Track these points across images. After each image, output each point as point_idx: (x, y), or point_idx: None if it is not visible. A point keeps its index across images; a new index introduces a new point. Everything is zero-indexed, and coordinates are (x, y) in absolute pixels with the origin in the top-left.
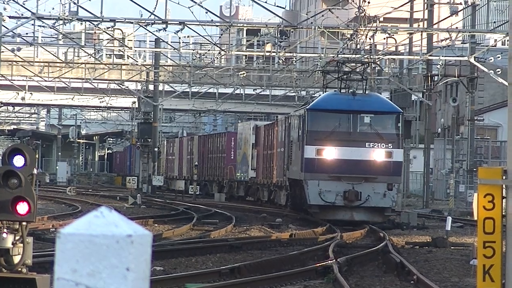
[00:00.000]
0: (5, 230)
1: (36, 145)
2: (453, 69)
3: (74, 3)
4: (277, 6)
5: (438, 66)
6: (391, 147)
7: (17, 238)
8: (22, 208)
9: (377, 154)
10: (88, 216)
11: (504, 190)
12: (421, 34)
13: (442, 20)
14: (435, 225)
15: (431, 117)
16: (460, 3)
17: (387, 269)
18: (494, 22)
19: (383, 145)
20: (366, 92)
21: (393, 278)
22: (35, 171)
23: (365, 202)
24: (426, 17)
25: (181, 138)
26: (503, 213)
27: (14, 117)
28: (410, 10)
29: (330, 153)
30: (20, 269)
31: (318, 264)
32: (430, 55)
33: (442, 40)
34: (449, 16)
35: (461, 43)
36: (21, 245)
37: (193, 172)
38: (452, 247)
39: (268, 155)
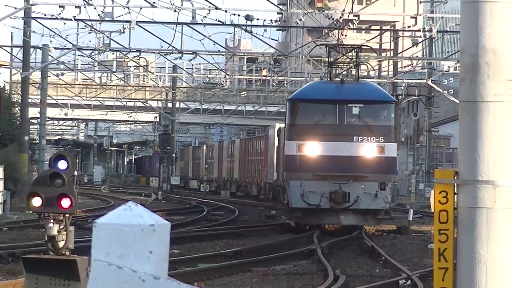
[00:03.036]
0: (51, 221)
1: (77, 152)
2: (414, 89)
3: (107, 37)
4: (272, 39)
5: (402, 87)
6: (383, 141)
7: (61, 227)
8: (65, 203)
9: (367, 150)
10: (119, 209)
11: (455, 188)
12: (388, 62)
13: (405, 50)
14: (400, 216)
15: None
16: (420, 36)
17: (360, 251)
18: (448, 51)
19: (374, 139)
20: (357, 80)
21: (366, 259)
22: (75, 173)
23: (354, 204)
24: (392, 47)
25: (221, 143)
26: (455, 206)
27: (59, 129)
28: (379, 42)
29: (313, 149)
30: (64, 252)
31: (305, 248)
32: (396, 79)
33: (405, 66)
34: (411, 47)
35: (421, 68)
36: (65, 233)
37: (204, 173)
38: (413, 234)
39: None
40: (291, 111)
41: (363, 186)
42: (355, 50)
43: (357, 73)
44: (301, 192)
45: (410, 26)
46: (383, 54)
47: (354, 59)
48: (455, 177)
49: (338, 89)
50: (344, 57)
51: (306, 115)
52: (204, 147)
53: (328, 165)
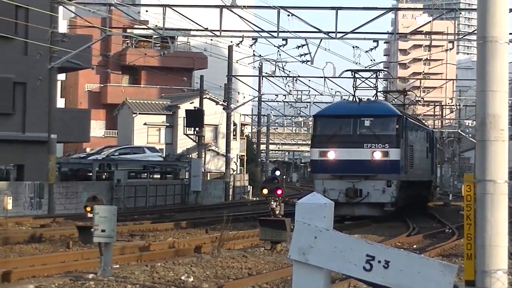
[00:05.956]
0: (272, 201)
1: (284, 166)
2: (452, 134)
3: (271, 109)
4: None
5: (445, 133)
6: (388, 147)
7: (277, 203)
8: (279, 192)
9: (375, 154)
10: (308, 196)
11: (474, 183)
12: (439, 121)
13: (447, 115)
14: (445, 197)
15: (443, 153)
16: (454, 108)
17: (425, 215)
18: (468, 115)
19: (380, 145)
20: (373, 99)
21: (428, 219)
22: (284, 177)
23: (365, 198)
24: (440, 113)
25: None
26: (474, 192)
27: (275, 155)
28: (433, 111)
29: (332, 154)
30: (279, 216)
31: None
32: (442, 129)
33: (447, 123)
34: (450, 113)
35: (455, 123)
36: (279, 206)
37: None
38: (452, 206)
39: None
40: (315, 125)
41: (372, 184)
42: (376, 75)
43: (375, 95)
44: (323, 189)
45: (449, 103)
46: (435, 117)
47: (375, 84)
48: (474, 178)
49: (354, 107)
50: (367, 81)
51: (328, 127)
52: None
53: (344, 167)
